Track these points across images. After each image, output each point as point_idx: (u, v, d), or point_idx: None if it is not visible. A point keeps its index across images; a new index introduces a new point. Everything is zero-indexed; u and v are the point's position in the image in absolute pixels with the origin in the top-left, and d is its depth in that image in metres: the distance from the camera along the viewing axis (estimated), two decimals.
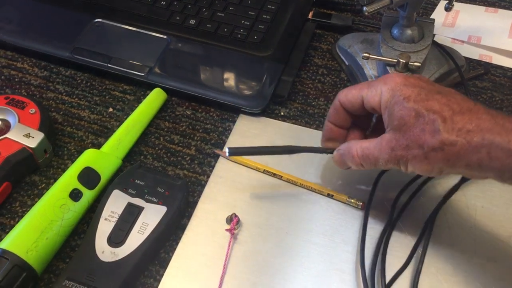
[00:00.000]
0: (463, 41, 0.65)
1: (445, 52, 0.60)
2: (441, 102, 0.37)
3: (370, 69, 0.58)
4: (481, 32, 0.65)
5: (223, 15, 0.65)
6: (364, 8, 0.50)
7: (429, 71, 0.58)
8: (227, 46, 0.61)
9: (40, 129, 0.50)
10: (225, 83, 0.58)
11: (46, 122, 0.51)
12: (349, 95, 0.44)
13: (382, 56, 0.54)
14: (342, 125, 0.47)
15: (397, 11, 0.55)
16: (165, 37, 0.62)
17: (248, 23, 0.64)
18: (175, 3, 0.66)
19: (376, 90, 0.41)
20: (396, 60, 0.53)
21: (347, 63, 0.62)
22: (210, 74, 0.59)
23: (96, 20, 0.63)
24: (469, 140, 0.35)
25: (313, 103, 0.59)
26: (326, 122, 0.47)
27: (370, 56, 0.54)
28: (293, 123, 0.57)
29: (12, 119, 0.51)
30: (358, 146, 0.42)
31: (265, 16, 0.65)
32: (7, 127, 0.50)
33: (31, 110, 0.51)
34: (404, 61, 0.52)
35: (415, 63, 0.53)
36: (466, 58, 0.62)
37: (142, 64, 0.59)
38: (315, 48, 0.65)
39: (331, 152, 0.47)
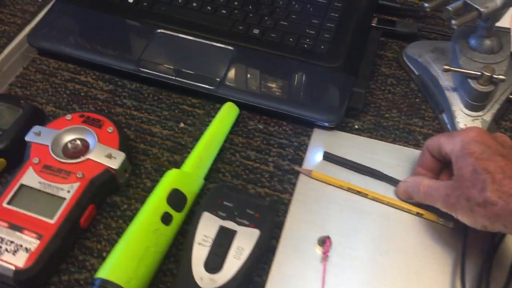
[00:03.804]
0: None
1: None
2: (498, 164, 0.40)
3: (445, 80, 0.57)
4: None
5: (286, 23, 0.63)
6: (453, 21, 0.49)
7: (506, 82, 0.56)
8: (294, 56, 0.60)
9: (120, 149, 0.49)
10: (297, 96, 0.57)
11: (124, 141, 0.50)
12: (432, 141, 0.47)
13: (463, 68, 0.53)
14: (429, 169, 0.49)
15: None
16: (230, 48, 0.60)
17: (313, 32, 0.62)
18: (235, 11, 0.64)
19: (452, 140, 0.44)
20: (480, 73, 0.52)
21: (416, 73, 0.60)
22: (280, 86, 0.58)
23: (159, 30, 0.62)
24: (508, 203, 0.39)
25: (386, 115, 0.58)
26: (415, 165, 0.50)
27: (451, 68, 0.53)
28: (369, 137, 0.56)
29: (91, 138, 0.49)
30: (425, 183, 0.46)
31: (329, 25, 0.63)
32: (85, 147, 0.49)
33: (109, 129, 0.50)
34: (489, 74, 0.51)
35: (500, 76, 0.51)
36: None
37: (211, 77, 0.58)
38: (380, 57, 0.64)
39: None
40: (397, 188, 0.50)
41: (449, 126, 0.56)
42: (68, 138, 0.49)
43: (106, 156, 0.48)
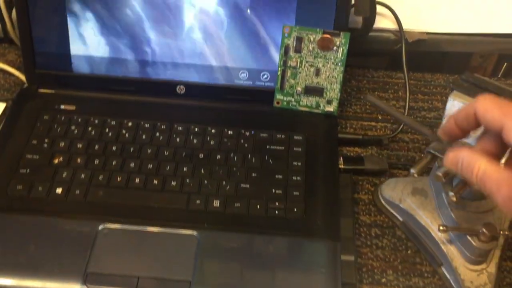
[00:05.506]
0: None
1: None
2: None
3: (438, 231, 0.51)
4: None
5: (248, 186, 0.55)
6: (450, 193, 0.44)
7: (499, 219, 0.52)
8: (267, 230, 0.52)
9: None
10: (283, 285, 0.49)
11: None
12: (488, 114, 0.37)
13: (462, 227, 0.48)
14: (467, 131, 0.41)
15: None
16: (194, 233, 0.51)
17: (280, 191, 0.55)
18: (187, 180, 0.55)
19: None
20: (480, 231, 0.47)
21: (401, 219, 0.55)
22: (261, 276, 0.49)
23: (102, 226, 0.51)
24: None
25: (383, 280, 0.51)
26: (451, 118, 0.41)
27: (449, 229, 0.48)
28: None
29: None
30: (482, 166, 0.37)
31: (295, 178, 0.56)
32: None
33: None
34: (491, 234, 0.46)
35: (505, 233, 0.47)
36: None
37: (178, 279, 0.48)
38: (356, 201, 0.58)
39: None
40: (446, 156, 0.40)
41: (452, 282, 0.50)
42: None
43: None
